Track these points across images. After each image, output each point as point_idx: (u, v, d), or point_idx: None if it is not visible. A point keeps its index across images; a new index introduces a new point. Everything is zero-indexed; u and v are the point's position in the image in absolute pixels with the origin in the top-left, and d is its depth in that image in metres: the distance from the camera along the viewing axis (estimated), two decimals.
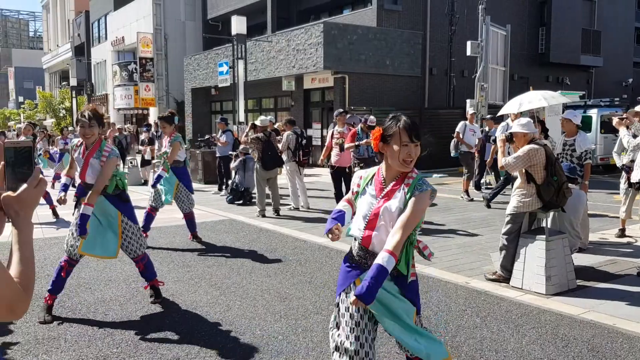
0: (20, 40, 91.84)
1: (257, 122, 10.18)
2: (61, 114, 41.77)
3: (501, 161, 5.60)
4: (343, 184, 9.90)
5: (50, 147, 18.85)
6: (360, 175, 2.85)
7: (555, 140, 8.17)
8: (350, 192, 2.92)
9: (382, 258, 2.49)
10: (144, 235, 7.39)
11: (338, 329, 2.78)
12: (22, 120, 44.99)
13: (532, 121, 5.82)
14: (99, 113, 4.87)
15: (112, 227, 4.83)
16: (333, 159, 9.85)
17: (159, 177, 7.42)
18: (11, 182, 1.46)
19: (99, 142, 4.79)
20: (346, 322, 2.72)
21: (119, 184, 4.90)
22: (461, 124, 11.86)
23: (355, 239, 2.80)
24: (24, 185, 1.44)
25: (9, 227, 1.49)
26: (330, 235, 2.72)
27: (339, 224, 2.77)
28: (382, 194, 2.70)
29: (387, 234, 2.62)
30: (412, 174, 2.69)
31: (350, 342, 2.67)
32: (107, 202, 4.81)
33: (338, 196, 9.71)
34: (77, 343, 4.17)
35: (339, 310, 2.80)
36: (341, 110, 10.50)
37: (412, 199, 2.61)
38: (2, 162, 1.49)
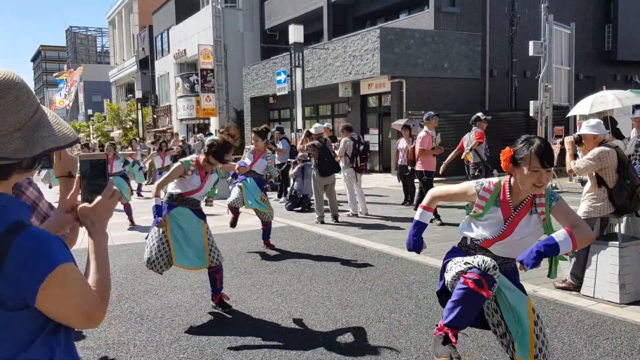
0: (89, 56, 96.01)
1: (312, 130, 10.24)
2: (128, 126, 43.43)
3: (570, 165, 5.38)
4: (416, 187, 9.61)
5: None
6: (485, 191, 2.81)
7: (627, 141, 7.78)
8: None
9: (561, 234, 2.58)
10: (233, 217, 7.96)
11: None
12: (92, 132, 47.05)
13: (602, 122, 5.57)
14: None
15: (198, 236, 4.97)
16: (421, 164, 9.59)
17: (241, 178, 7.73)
18: (87, 194, 1.52)
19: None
20: None
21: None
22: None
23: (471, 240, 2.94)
24: (99, 197, 1.49)
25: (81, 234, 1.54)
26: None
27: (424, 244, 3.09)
28: (509, 218, 2.74)
29: (515, 249, 2.75)
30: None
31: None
32: (192, 213, 5.02)
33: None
34: (145, 348, 4.29)
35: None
36: (432, 113, 10.15)
37: (556, 207, 2.70)
38: (78, 175, 1.55)
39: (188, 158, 5.06)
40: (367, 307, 5.14)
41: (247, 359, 4.02)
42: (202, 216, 5.12)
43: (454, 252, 3.03)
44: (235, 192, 7.71)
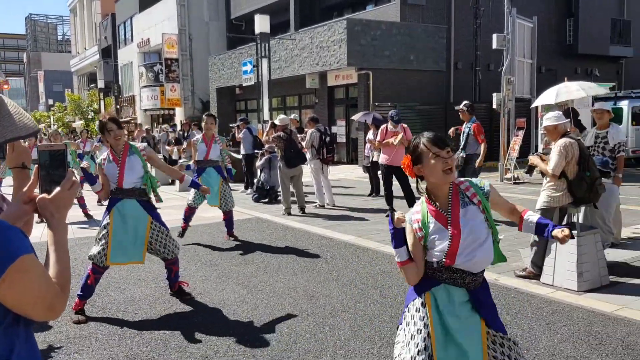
0: (49, 44, 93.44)
1: (277, 121, 10.19)
2: (90, 116, 42.50)
3: (548, 171, 5.37)
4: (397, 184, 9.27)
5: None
6: (411, 220, 2.60)
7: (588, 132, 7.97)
8: (408, 242, 2.62)
9: (532, 215, 2.68)
10: (183, 226, 7.66)
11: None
12: (52, 123, 45.90)
13: (561, 113, 5.70)
14: (118, 118, 5.05)
15: (139, 231, 4.88)
16: (383, 157, 9.36)
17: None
18: (46, 185, 1.49)
19: (127, 145, 4.94)
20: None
21: (154, 184, 5.05)
22: None
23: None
24: (58, 188, 1.46)
25: (37, 228, 1.50)
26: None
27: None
28: (448, 221, 2.53)
29: (477, 252, 2.51)
30: (462, 182, 2.61)
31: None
32: (139, 206, 4.91)
33: (389, 197, 9.28)
34: (107, 342, 4.22)
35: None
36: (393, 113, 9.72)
37: (491, 195, 2.60)
38: (37, 165, 1.51)
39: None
40: (333, 297, 5.17)
41: (211, 351, 3.99)
42: (150, 209, 4.98)
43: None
44: (193, 191, 7.47)
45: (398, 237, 2.58)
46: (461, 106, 9.22)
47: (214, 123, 7.70)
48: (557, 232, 2.53)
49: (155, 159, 5.23)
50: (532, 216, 2.69)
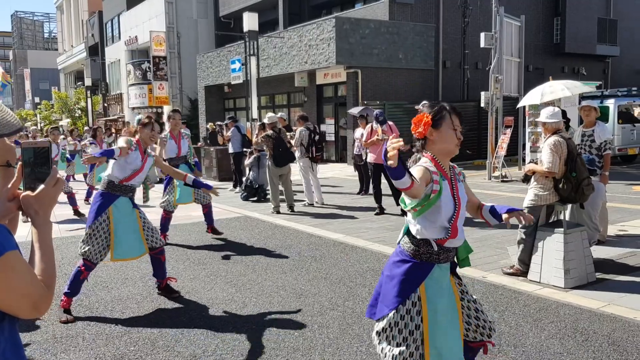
0: (35, 42, 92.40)
1: (265, 120, 10.17)
2: (77, 114, 42.12)
3: (545, 170, 5.38)
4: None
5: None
6: (429, 169, 2.57)
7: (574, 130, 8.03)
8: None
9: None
10: (162, 236, 7.50)
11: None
12: (39, 121, 45.45)
13: (558, 109, 5.73)
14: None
15: (134, 225, 4.96)
16: (371, 156, 9.46)
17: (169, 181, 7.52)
18: (30, 182, 1.47)
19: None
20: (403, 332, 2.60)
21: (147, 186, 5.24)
22: None
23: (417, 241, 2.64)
24: (42, 185, 1.45)
25: (22, 227, 1.49)
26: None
27: None
28: (454, 190, 2.65)
29: (460, 228, 2.67)
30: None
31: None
32: (129, 201, 5.00)
33: (378, 195, 9.40)
34: (94, 341, 4.20)
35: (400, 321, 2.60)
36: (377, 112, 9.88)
37: (465, 182, 2.78)
38: (20, 163, 1.50)
39: (130, 137, 5.13)
40: (322, 295, 5.17)
41: (199, 350, 3.98)
42: (135, 204, 5.12)
43: (399, 266, 2.66)
44: (166, 195, 7.46)
45: (398, 169, 2.26)
46: (420, 106, 9.20)
47: (181, 119, 7.66)
48: (505, 216, 2.77)
49: (161, 162, 5.44)
50: (488, 204, 2.86)
